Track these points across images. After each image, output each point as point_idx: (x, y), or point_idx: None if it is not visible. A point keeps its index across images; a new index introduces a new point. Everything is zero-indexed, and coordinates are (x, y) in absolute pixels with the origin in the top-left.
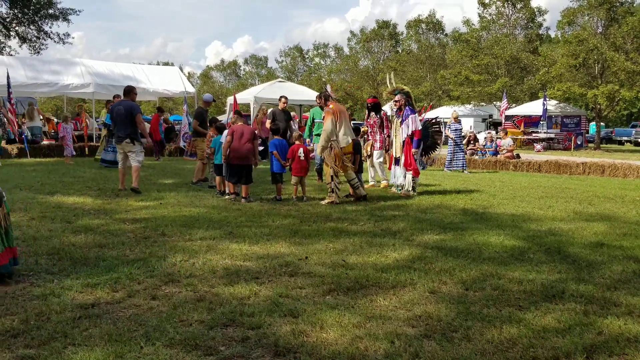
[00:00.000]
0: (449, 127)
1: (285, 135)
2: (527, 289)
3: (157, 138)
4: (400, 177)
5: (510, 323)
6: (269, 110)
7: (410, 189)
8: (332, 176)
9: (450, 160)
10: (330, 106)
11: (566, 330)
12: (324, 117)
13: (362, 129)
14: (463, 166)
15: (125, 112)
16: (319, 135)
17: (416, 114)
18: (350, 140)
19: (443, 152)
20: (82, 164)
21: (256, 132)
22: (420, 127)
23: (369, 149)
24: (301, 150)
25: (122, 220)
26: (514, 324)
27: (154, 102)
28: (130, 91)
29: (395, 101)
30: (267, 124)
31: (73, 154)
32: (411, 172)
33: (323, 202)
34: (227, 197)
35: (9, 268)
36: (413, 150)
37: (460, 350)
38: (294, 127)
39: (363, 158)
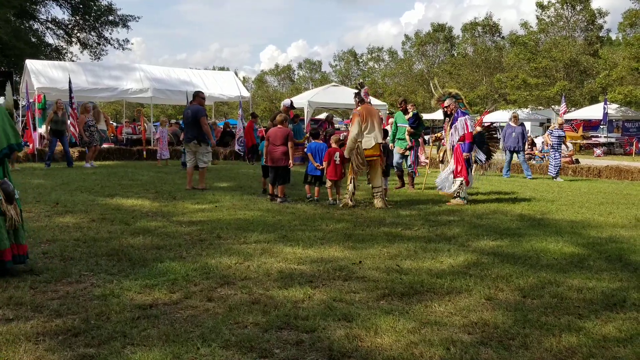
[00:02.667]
0: (550, 133)
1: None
2: (587, 297)
3: (251, 143)
4: (445, 182)
5: (570, 331)
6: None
7: (460, 197)
8: (352, 178)
9: (558, 166)
10: (358, 108)
11: (627, 340)
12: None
13: (436, 134)
14: (556, 174)
15: (192, 115)
16: (401, 139)
17: (467, 116)
18: (374, 143)
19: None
20: (141, 167)
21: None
22: (471, 130)
23: (441, 154)
24: (337, 154)
25: (178, 222)
26: (573, 332)
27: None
28: (196, 95)
29: (445, 107)
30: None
31: (168, 157)
32: (461, 178)
33: (340, 205)
34: (274, 199)
35: (11, 264)
36: (464, 154)
37: (517, 358)
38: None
39: (439, 160)
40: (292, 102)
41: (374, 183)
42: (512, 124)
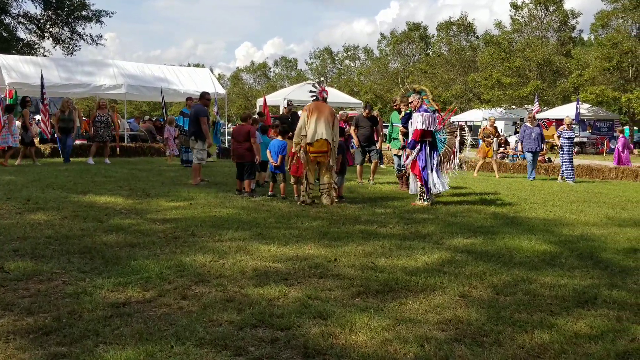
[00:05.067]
0: (560, 134)
1: (369, 140)
2: (559, 295)
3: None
4: (413, 183)
5: (542, 328)
6: (354, 118)
7: (423, 199)
8: (305, 174)
9: (570, 169)
10: (308, 104)
11: (599, 337)
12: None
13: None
14: (569, 176)
15: (194, 114)
16: (396, 139)
17: (425, 113)
18: (319, 139)
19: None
20: (114, 163)
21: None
22: (423, 128)
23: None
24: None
25: (152, 220)
26: (545, 329)
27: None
28: (202, 96)
29: (409, 103)
30: (352, 131)
31: (176, 153)
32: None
33: (297, 202)
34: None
35: None
36: (407, 150)
37: (490, 355)
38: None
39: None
40: (290, 102)
41: (321, 180)
42: (529, 125)
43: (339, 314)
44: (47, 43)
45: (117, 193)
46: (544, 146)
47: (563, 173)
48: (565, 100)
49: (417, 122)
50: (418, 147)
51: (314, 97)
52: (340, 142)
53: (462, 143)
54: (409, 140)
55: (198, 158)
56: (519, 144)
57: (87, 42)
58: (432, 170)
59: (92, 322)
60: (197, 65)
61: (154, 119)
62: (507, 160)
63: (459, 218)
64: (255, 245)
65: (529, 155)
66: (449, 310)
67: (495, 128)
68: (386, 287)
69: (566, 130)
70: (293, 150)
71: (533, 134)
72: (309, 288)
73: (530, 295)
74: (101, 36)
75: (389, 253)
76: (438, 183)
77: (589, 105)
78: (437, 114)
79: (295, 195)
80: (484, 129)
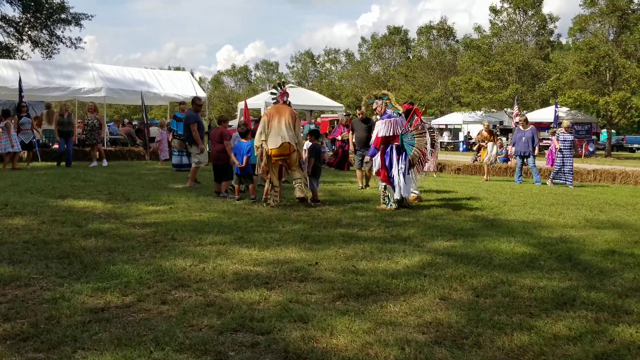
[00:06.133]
0: (558, 137)
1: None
2: (538, 296)
3: None
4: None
5: (521, 330)
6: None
7: (386, 202)
8: (269, 178)
9: (563, 172)
10: (268, 108)
11: (577, 338)
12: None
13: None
14: (567, 180)
15: (185, 120)
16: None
17: (389, 119)
18: (281, 142)
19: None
20: (93, 167)
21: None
22: (384, 134)
23: None
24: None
25: (132, 224)
26: (524, 331)
27: (165, 107)
28: (193, 102)
29: (374, 110)
30: (349, 135)
31: (167, 157)
32: (384, 183)
33: (264, 205)
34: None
35: None
36: (367, 158)
37: (470, 357)
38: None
39: None
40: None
41: (293, 176)
42: (522, 128)
43: (319, 317)
44: (26, 46)
45: (96, 197)
46: (536, 150)
47: (553, 177)
48: (544, 103)
49: (379, 129)
50: (379, 154)
51: (275, 100)
52: (314, 145)
53: (432, 145)
54: (370, 147)
55: (196, 161)
56: (511, 147)
57: (66, 45)
58: (398, 174)
59: (70, 328)
60: (177, 69)
61: (134, 123)
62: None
63: (440, 221)
64: (236, 249)
65: (518, 160)
66: (429, 313)
67: (491, 132)
68: (367, 290)
69: (564, 133)
70: (256, 154)
71: (524, 138)
72: (290, 292)
73: (510, 297)
74: (80, 39)
75: (370, 256)
76: (404, 188)
77: (567, 109)
78: (402, 117)
79: (264, 197)
80: (479, 133)
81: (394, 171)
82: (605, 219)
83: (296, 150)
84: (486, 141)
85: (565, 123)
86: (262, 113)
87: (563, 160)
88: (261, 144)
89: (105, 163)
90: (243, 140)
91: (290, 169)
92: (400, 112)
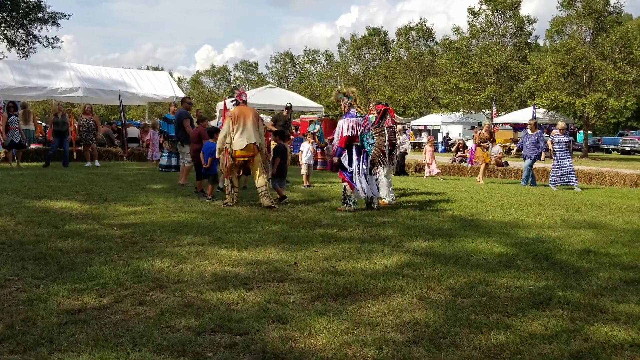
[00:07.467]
0: (552, 139)
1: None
2: (515, 296)
3: None
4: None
5: (498, 329)
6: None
7: (347, 203)
8: (230, 178)
9: (561, 175)
10: (231, 109)
11: (553, 337)
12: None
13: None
14: (571, 181)
15: (177, 118)
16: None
17: (350, 119)
18: (246, 143)
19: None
20: (70, 168)
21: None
22: (348, 134)
23: None
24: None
25: (109, 225)
26: (501, 330)
27: (144, 107)
28: (182, 101)
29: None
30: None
31: (157, 158)
32: (345, 184)
33: (222, 204)
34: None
35: None
36: (335, 158)
37: (448, 357)
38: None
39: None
40: (290, 105)
41: (256, 183)
42: (529, 132)
43: (298, 317)
44: (2, 45)
45: (73, 198)
46: (542, 154)
47: (554, 182)
48: (522, 104)
49: (342, 128)
50: (345, 152)
51: (234, 102)
52: (280, 145)
53: (392, 145)
54: (336, 147)
55: (188, 161)
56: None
57: (43, 45)
58: (360, 174)
59: (46, 329)
60: (156, 69)
61: (112, 123)
62: (465, 164)
63: (418, 221)
64: (215, 249)
65: (525, 162)
66: (407, 313)
67: (491, 133)
68: (345, 290)
69: (558, 134)
70: (217, 156)
71: (528, 142)
72: (269, 292)
73: (487, 296)
74: (57, 38)
75: (348, 256)
76: (366, 188)
77: (545, 110)
78: (366, 118)
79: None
80: (479, 134)
81: (354, 169)
82: (581, 219)
83: (260, 151)
84: (487, 141)
85: (560, 125)
86: (217, 114)
87: (559, 162)
88: (224, 146)
89: (97, 163)
90: (211, 140)
91: (253, 172)
92: (362, 114)
